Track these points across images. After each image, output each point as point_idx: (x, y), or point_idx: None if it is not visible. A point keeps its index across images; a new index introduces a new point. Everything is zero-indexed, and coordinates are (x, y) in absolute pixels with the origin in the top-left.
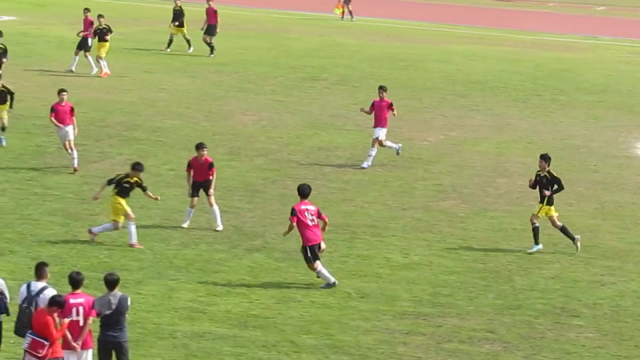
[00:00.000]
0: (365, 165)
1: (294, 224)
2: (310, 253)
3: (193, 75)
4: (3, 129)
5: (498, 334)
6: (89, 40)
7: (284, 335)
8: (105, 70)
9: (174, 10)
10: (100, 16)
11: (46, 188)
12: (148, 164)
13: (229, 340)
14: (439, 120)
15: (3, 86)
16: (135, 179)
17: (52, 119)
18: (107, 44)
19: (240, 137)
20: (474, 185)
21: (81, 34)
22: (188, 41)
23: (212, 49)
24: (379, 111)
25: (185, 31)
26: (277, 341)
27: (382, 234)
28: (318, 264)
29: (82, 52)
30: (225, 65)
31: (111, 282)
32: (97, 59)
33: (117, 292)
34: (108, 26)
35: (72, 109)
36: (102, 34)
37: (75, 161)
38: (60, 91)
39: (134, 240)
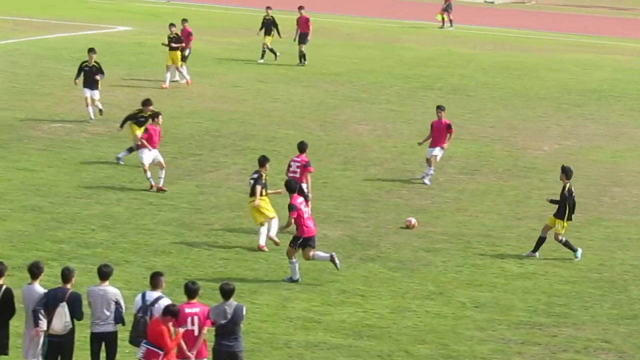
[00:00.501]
0: (427, 181)
1: (292, 219)
2: (302, 243)
3: (308, 85)
4: (131, 150)
5: (614, 344)
6: (187, 50)
7: (399, 345)
8: (166, 84)
9: (264, 19)
10: (172, 25)
11: (161, 198)
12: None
13: (344, 350)
14: (554, 130)
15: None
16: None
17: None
18: (178, 52)
19: (354, 147)
20: (589, 194)
21: (175, 45)
22: (264, 52)
23: (303, 57)
24: (437, 132)
25: (269, 40)
26: (392, 351)
27: (496, 244)
28: (314, 253)
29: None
30: (340, 75)
31: (227, 292)
32: (168, 68)
33: (233, 302)
34: (178, 35)
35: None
36: (172, 42)
37: (162, 181)
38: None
39: (262, 242)
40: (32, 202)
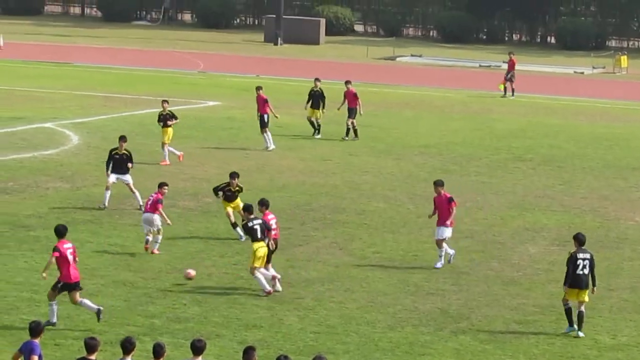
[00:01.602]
0: (438, 265)
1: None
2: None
3: (398, 158)
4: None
5: None
6: (265, 116)
7: None
8: (167, 160)
9: (313, 91)
10: (164, 101)
11: None
12: (353, 246)
13: None
14: None
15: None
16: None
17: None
18: (170, 130)
19: None
20: None
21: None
22: (319, 126)
23: (354, 132)
24: (440, 209)
25: (319, 114)
26: None
27: (589, 315)
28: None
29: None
30: (430, 147)
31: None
32: (162, 145)
33: None
34: (171, 112)
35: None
36: (165, 120)
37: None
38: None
39: None
40: (124, 277)
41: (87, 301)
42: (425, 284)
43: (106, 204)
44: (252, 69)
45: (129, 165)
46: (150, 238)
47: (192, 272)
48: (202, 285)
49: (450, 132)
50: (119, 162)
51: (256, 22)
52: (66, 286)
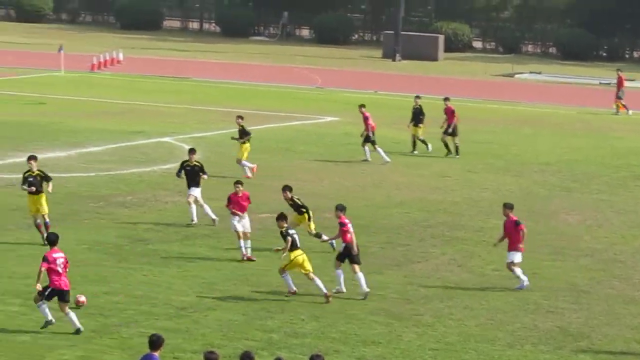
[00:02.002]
0: (524, 285)
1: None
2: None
3: (517, 175)
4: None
5: None
6: (370, 134)
7: None
8: (248, 173)
9: (414, 109)
10: (239, 117)
11: (371, 288)
12: (471, 264)
13: None
14: None
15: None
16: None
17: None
18: (246, 145)
19: (564, 237)
20: None
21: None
22: (423, 141)
23: (453, 150)
24: (509, 233)
25: (420, 131)
26: None
27: None
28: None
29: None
30: (550, 165)
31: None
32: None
33: None
34: (244, 128)
35: (247, 198)
36: (240, 136)
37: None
38: (236, 183)
39: None
40: (242, 291)
41: (73, 315)
42: (545, 302)
43: (194, 219)
44: (370, 85)
45: (204, 176)
46: (243, 244)
47: (82, 299)
48: (319, 300)
49: (570, 149)
50: (191, 174)
51: (374, 38)
52: (55, 292)
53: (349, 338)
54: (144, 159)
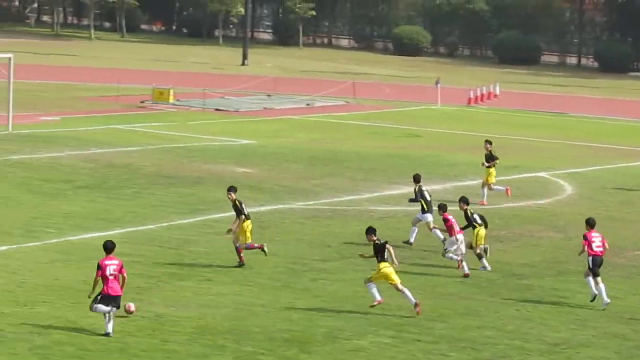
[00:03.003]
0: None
1: None
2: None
3: None
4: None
5: None
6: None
7: None
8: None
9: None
10: (488, 142)
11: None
12: None
13: None
14: None
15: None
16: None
17: None
18: (492, 170)
19: None
20: None
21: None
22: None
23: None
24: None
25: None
26: None
27: None
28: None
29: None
30: None
31: None
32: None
33: None
34: (492, 153)
35: None
36: (487, 160)
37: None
38: None
39: None
40: (616, 329)
41: (110, 325)
42: None
43: (411, 240)
44: None
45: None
46: (459, 258)
47: (133, 308)
48: None
49: None
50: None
51: None
52: (107, 298)
53: None
54: (519, 193)
